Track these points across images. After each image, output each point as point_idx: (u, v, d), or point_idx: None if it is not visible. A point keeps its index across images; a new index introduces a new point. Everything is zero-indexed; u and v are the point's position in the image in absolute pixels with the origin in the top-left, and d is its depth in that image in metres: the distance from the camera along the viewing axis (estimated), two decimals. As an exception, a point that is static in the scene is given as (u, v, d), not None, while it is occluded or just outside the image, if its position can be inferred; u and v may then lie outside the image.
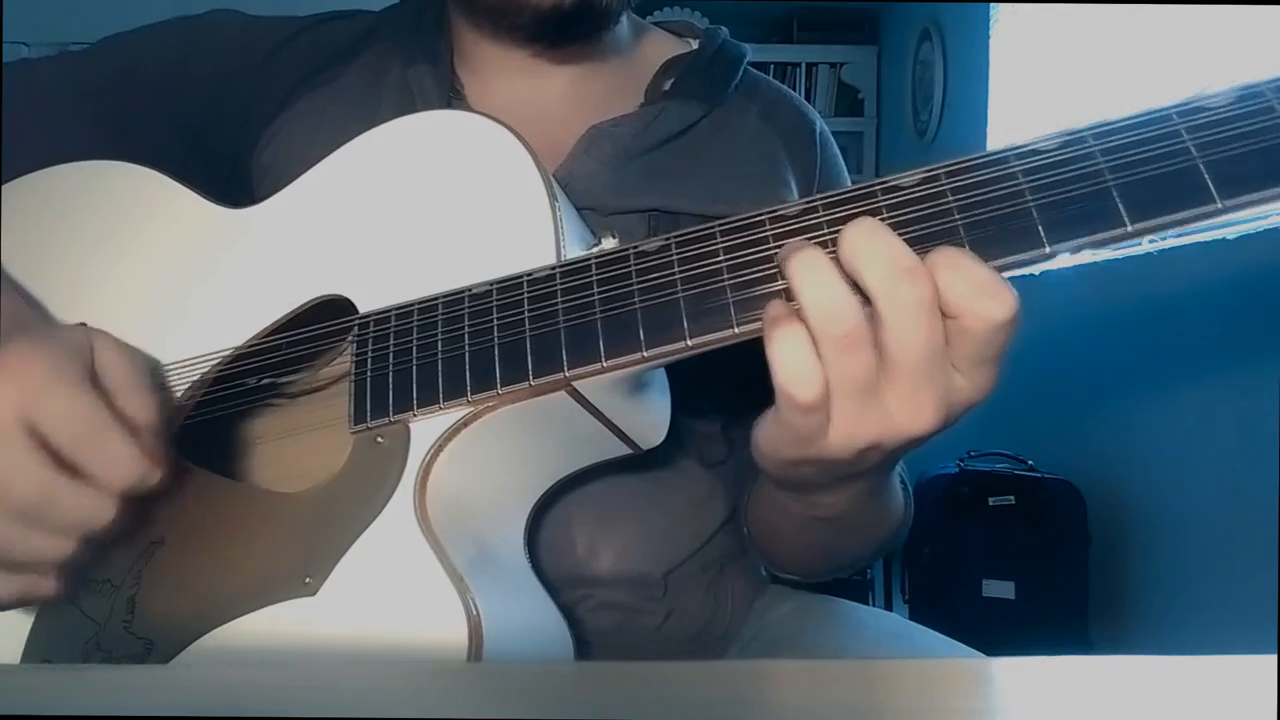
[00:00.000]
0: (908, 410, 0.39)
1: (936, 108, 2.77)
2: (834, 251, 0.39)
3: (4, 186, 0.58)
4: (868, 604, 1.97)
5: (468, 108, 0.64)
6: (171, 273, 0.56)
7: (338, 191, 0.54)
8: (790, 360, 0.38)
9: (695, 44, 0.71)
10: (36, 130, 0.62)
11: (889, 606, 2.16)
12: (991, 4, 2.40)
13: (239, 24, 0.69)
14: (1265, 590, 1.20)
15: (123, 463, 0.43)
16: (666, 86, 0.66)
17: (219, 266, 0.55)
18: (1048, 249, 0.39)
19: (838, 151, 0.72)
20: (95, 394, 0.43)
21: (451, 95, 0.64)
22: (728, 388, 0.67)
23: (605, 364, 0.44)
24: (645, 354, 0.43)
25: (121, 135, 0.63)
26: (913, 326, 0.37)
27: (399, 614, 0.43)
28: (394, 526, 0.45)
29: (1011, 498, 1.81)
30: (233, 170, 0.66)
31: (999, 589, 1.81)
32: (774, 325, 0.38)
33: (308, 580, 0.45)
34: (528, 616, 0.50)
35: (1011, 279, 0.41)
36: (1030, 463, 1.90)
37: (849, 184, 0.70)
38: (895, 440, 0.40)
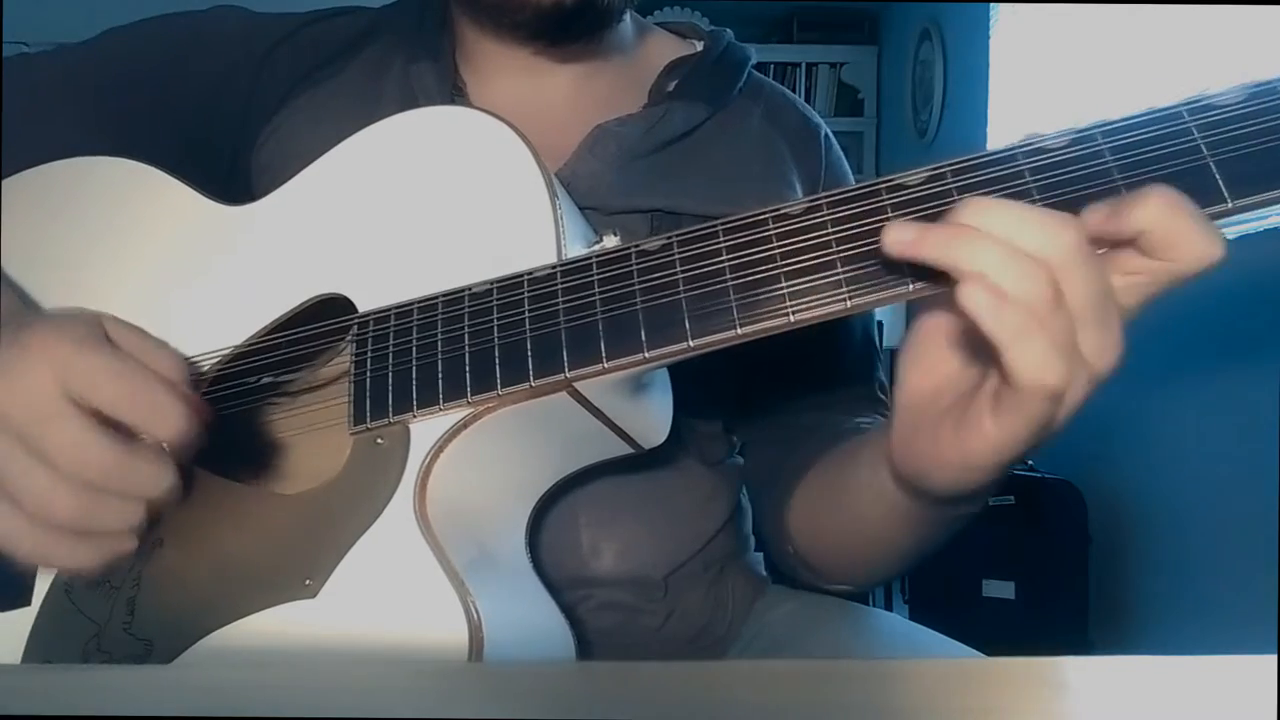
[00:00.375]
0: (1100, 352, 0.37)
1: (936, 108, 2.77)
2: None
3: (2, 182, 0.58)
4: (868, 604, 1.97)
5: (469, 105, 0.64)
6: (169, 270, 0.56)
7: (337, 188, 0.54)
8: (1032, 351, 0.36)
9: (699, 46, 0.71)
10: (34, 125, 0.62)
11: (889, 606, 2.16)
12: (991, 4, 2.40)
13: (239, 20, 0.69)
14: (1265, 590, 1.20)
15: (172, 415, 0.43)
16: (670, 88, 0.66)
17: (217, 264, 0.55)
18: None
19: (843, 155, 0.72)
20: (126, 355, 0.43)
21: (453, 92, 0.64)
22: (730, 386, 0.67)
23: (606, 365, 0.43)
24: (647, 354, 0.43)
25: (119, 131, 0.63)
26: (1088, 272, 0.36)
27: (399, 616, 0.43)
28: (394, 528, 0.45)
29: (1011, 498, 1.81)
30: (232, 167, 0.65)
31: (999, 589, 1.81)
32: (995, 317, 0.36)
33: (308, 582, 0.44)
34: (529, 617, 0.50)
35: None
36: (1030, 463, 1.89)
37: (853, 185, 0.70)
38: (1093, 387, 0.38)
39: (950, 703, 0.30)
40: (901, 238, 0.37)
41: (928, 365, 0.43)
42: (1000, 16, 2.41)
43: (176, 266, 0.56)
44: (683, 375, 0.53)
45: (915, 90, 2.95)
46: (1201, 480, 1.61)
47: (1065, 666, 0.32)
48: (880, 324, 0.88)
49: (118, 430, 0.42)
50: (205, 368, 0.53)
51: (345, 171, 0.54)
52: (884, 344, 0.69)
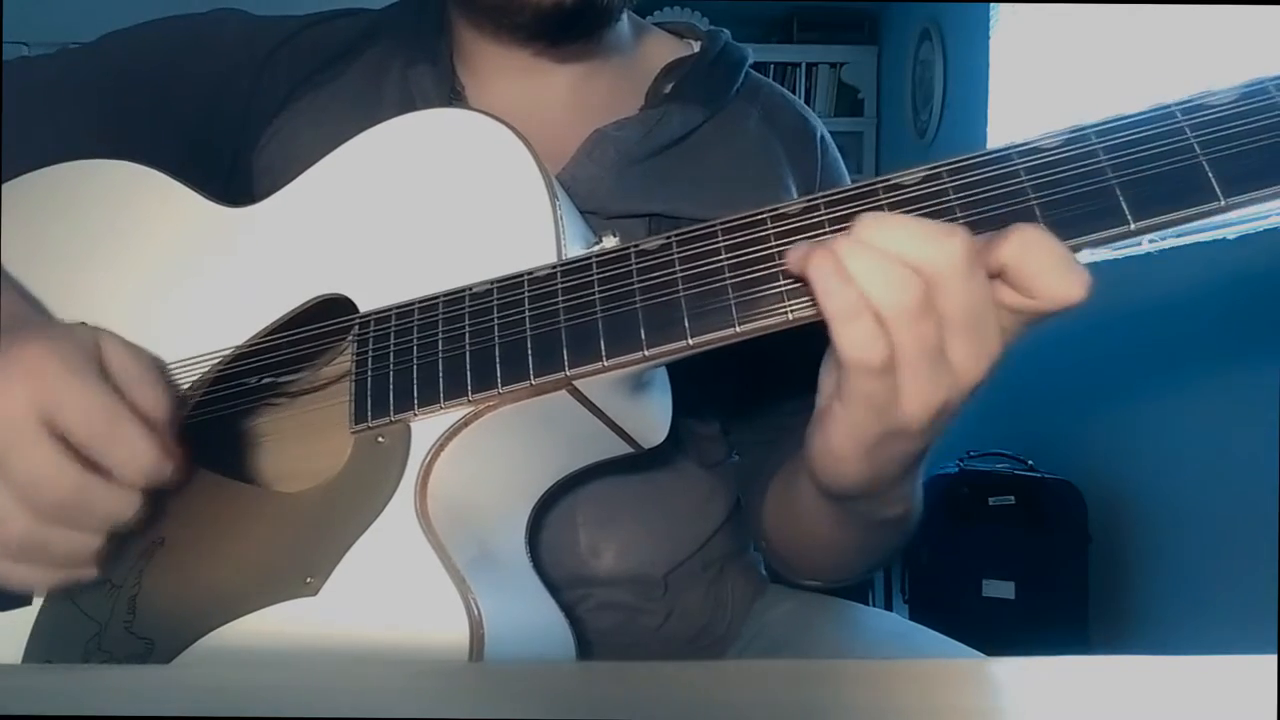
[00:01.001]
0: (968, 362, 0.39)
1: (936, 108, 2.77)
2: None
3: (3, 185, 0.58)
4: (868, 604, 1.97)
5: (468, 108, 0.64)
6: (171, 271, 0.56)
7: (338, 190, 0.54)
8: (855, 330, 0.38)
9: (697, 46, 0.71)
10: (35, 128, 0.62)
11: (889, 606, 2.16)
12: (991, 4, 2.40)
13: (239, 23, 0.69)
14: (1265, 590, 1.20)
15: (141, 456, 0.43)
16: (668, 90, 0.66)
17: (219, 265, 0.55)
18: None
19: (839, 156, 0.72)
20: (109, 388, 0.43)
21: (452, 95, 0.64)
22: (727, 388, 0.67)
23: (606, 363, 0.44)
24: (646, 353, 0.43)
25: (120, 134, 0.63)
26: (966, 284, 0.37)
27: (400, 614, 0.43)
28: (395, 526, 0.45)
29: (1011, 498, 1.81)
30: (232, 169, 0.65)
31: (999, 589, 1.81)
32: (827, 299, 0.38)
33: (309, 580, 0.45)
34: (529, 616, 0.50)
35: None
36: (1030, 463, 1.90)
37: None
38: (962, 395, 0.40)
39: (950, 703, 0.30)
40: (791, 256, 0.40)
41: (824, 373, 0.44)
42: (1000, 16, 2.41)
43: (178, 268, 0.56)
44: (680, 376, 0.53)
45: (915, 90, 2.95)
46: (1201, 480, 1.61)
47: (1065, 666, 0.32)
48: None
49: (88, 460, 0.43)
50: (205, 369, 0.53)
51: (347, 173, 0.54)
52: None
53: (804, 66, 3.20)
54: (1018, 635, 1.73)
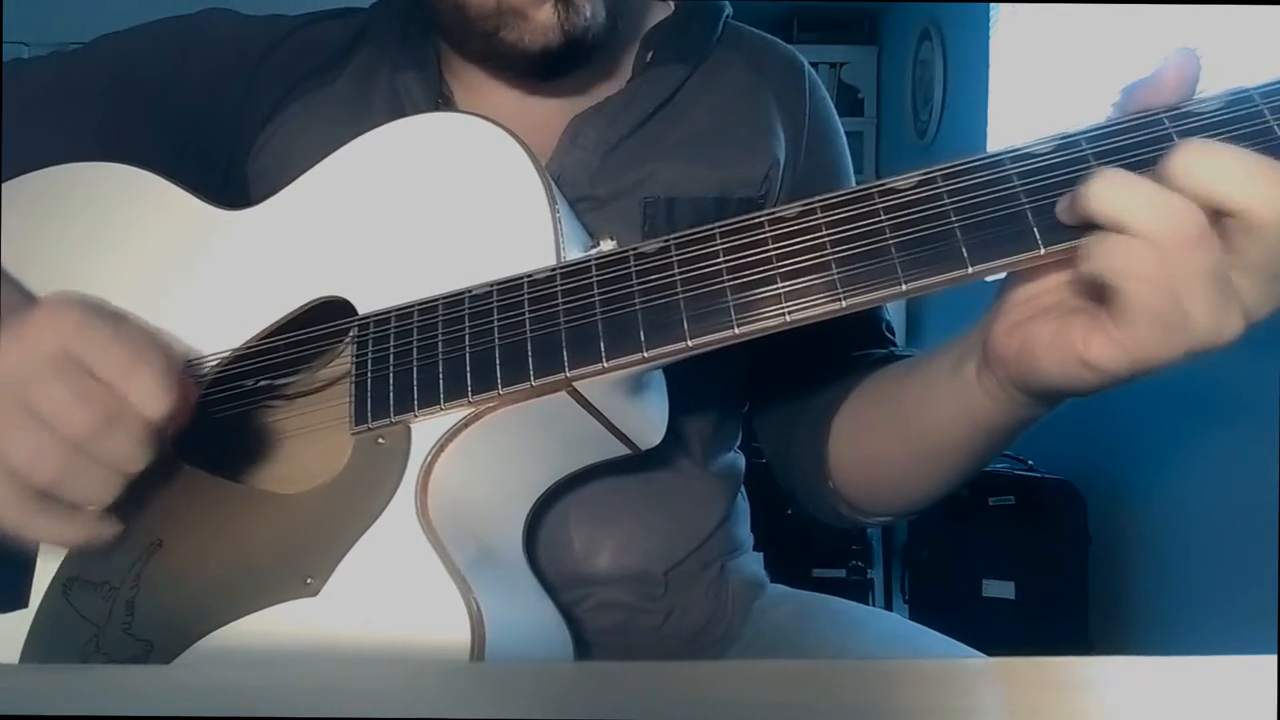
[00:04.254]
0: (1257, 300, 0.39)
1: (936, 108, 2.76)
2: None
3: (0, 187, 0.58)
4: (868, 604, 1.97)
5: (464, 111, 0.64)
6: (167, 274, 0.56)
7: (337, 193, 0.54)
8: (1122, 254, 0.37)
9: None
10: (29, 131, 0.61)
11: (889, 606, 2.16)
12: (991, 4, 2.40)
13: (231, 24, 0.69)
14: (1265, 591, 1.20)
15: (160, 390, 0.44)
16: (649, 58, 0.66)
17: (215, 268, 0.55)
18: (1043, 251, 0.40)
19: (826, 95, 0.71)
20: (126, 331, 0.45)
21: (440, 101, 0.64)
22: (725, 388, 0.67)
23: (606, 364, 0.44)
24: (646, 354, 0.43)
25: (114, 136, 0.63)
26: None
27: (401, 613, 0.43)
28: (396, 526, 0.45)
29: (1011, 498, 1.81)
30: (228, 172, 0.65)
31: (999, 589, 1.81)
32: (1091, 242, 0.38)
33: (309, 581, 0.45)
34: (528, 616, 0.50)
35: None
36: (1030, 463, 1.90)
37: (839, 128, 0.70)
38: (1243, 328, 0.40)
39: (950, 703, 0.30)
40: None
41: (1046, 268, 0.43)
42: (1000, 16, 2.41)
43: (174, 271, 0.56)
44: (678, 376, 0.53)
45: (915, 90, 2.94)
46: (1201, 480, 1.61)
47: (1065, 666, 0.32)
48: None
49: (112, 396, 0.44)
50: (204, 370, 0.53)
51: (345, 176, 0.54)
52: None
53: (804, 66, 3.19)
54: (1018, 635, 1.73)
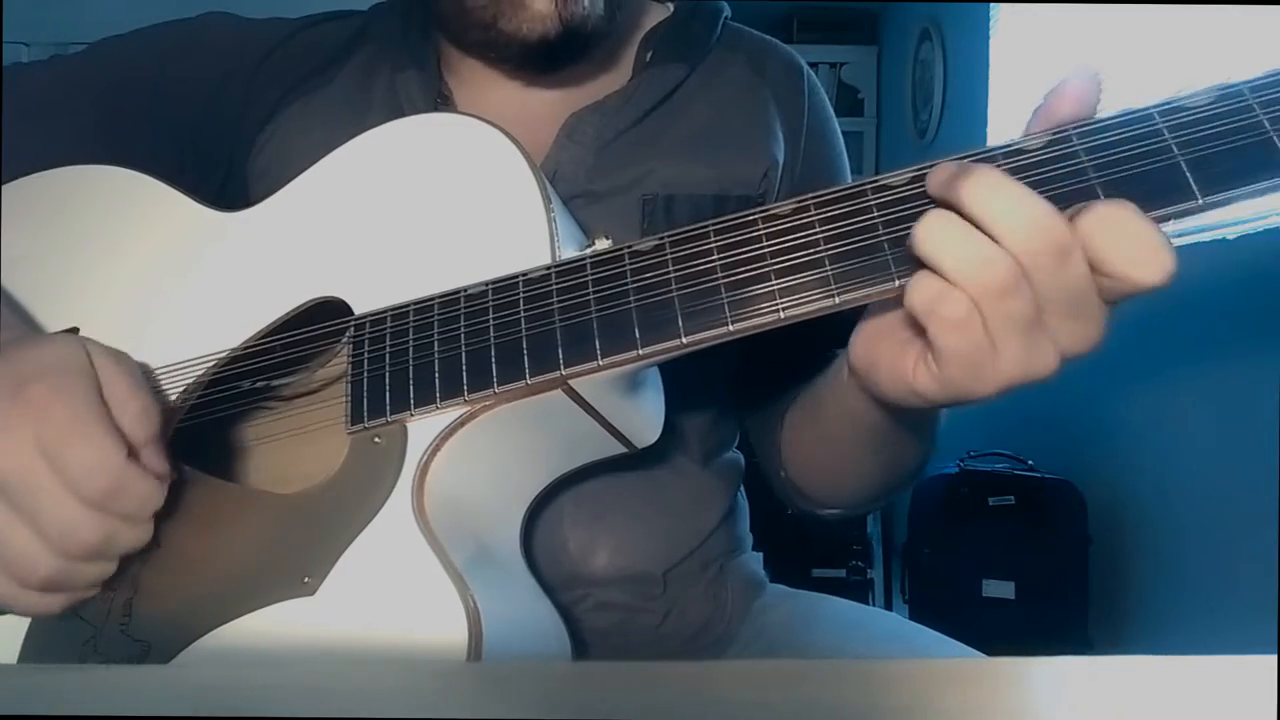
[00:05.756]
0: (1068, 338, 0.39)
1: (936, 108, 2.76)
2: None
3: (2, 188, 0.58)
4: (868, 604, 1.97)
5: (460, 111, 0.64)
6: (164, 276, 0.56)
7: (332, 194, 0.54)
8: (929, 292, 0.39)
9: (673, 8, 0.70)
10: (29, 135, 0.62)
11: (889, 606, 2.16)
12: (991, 4, 2.40)
13: (232, 27, 0.69)
14: (1265, 590, 1.20)
15: (152, 497, 0.45)
16: (648, 57, 0.66)
17: (212, 269, 0.55)
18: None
19: (825, 97, 0.72)
20: (114, 436, 0.44)
21: (439, 100, 0.64)
22: (721, 386, 0.67)
23: (601, 362, 0.44)
24: (641, 352, 0.44)
25: (115, 139, 0.63)
26: (1061, 268, 0.37)
27: (398, 612, 0.43)
28: (392, 525, 0.45)
29: (1011, 498, 1.81)
30: (228, 174, 0.66)
31: (999, 589, 1.81)
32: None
33: (306, 580, 0.45)
34: (526, 615, 0.50)
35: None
36: (1030, 463, 1.90)
37: (837, 130, 0.71)
38: (1060, 363, 0.40)
39: (950, 703, 0.30)
40: (933, 181, 0.40)
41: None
42: (1000, 16, 2.41)
43: (171, 272, 0.56)
44: (675, 374, 0.53)
45: (915, 90, 2.94)
46: (1202, 480, 1.61)
47: (1065, 666, 0.32)
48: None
49: (111, 513, 0.44)
50: (200, 372, 0.53)
51: (341, 177, 0.54)
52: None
53: (804, 66, 3.20)
54: (1018, 635, 1.73)
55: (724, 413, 0.68)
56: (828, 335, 0.65)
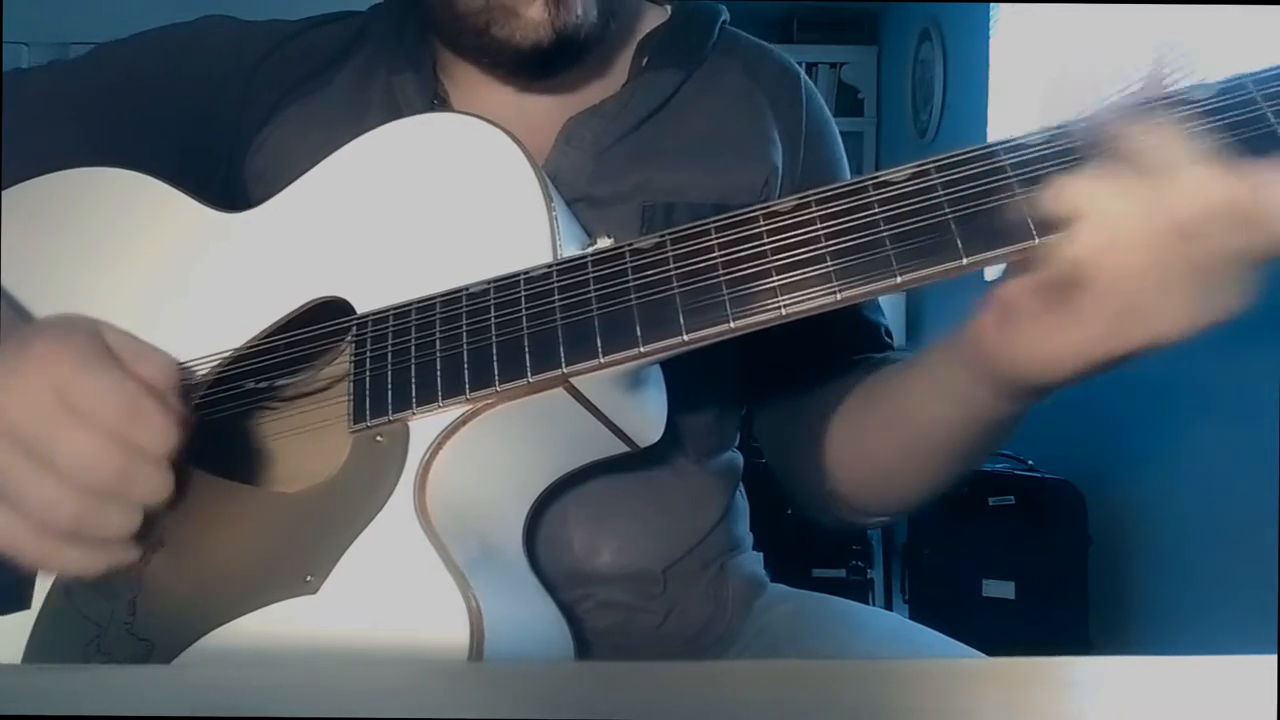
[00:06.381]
0: (1221, 299, 0.41)
1: (936, 108, 2.76)
2: None
3: (2, 193, 0.58)
4: (868, 604, 1.97)
5: (461, 111, 0.64)
6: (167, 276, 0.56)
7: (335, 194, 0.54)
8: (1096, 239, 0.39)
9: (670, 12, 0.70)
10: (31, 139, 0.62)
11: (889, 606, 2.16)
12: (991, 4, 2.40)
13: (231, 30, 0.70)
14: (1265, 590, 1.20)
15: (164, 429, 0.44)
16: (645, 62, 0.66)
17: (215, 270, 0.55)
18: (1037, 240, 0.40)
19: (823, 103, 0.71)
20: (121, 370, 0.44)
21: (436, 102, 0.64)
22: (722, 386, 0.67)
23: (603, 360, 0.44)
24: (642, 349, 0.44)
25: (116, 142, 0.64)
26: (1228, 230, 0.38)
27: (400, 610, 0.43)
28: (395, 523, 0.45)
29: (1011, 498, 1.81)
30: (226, 175, 0.66)
31: (999, 589, 1.81)
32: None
33: (309, 578, 0.45)
34: (528, 614, 0.50)
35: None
36: (1030, 463, 1.89)
37: (835, 133, 0.71)
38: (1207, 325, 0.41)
39: (950, 703, 0.31)
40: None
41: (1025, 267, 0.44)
42: (1000, 16, 2.41)
43: (175, 273, 0.56)
44: (676, 373, 0.53)
45: (915, 90, 2.94)
46: (1201, 480, 1.61)
47: (1065, 666, 0.32)
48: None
49: (124, 442, 0.44)
50: (204, 371, 0.53)
51: (343, 177, 0.55)
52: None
53: (804, 67, 3.19)
54: (1018, 635, 1.73)
55: (722, 413, 0.68)
56: (852, 342, 0.66)
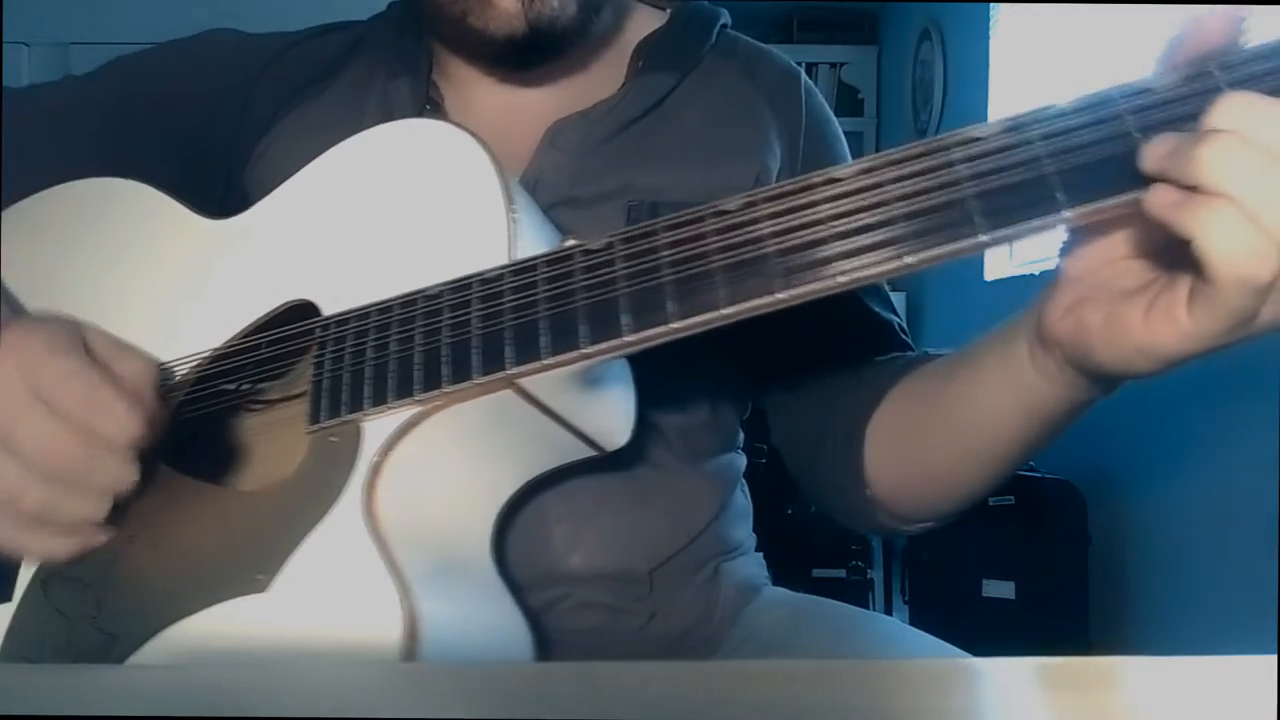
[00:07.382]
0: None
1: (936, 108, 2.77)
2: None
3: (10, 209, 0.60)
4: (868, 605, 1.97)
5: (444, 118, 0.64)
6: (159, 283, 0.57)
7: (309, 200, 0.56)
8: (1236, 240, 0.34)
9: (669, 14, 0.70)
10: (40, 151, 0.64)
11: (889, 607, 2.16)
12: (991, 4, 2.40)
13: (233, 41, 0.71)
14: (1265, 590, 1.20)
15: (128, 419, 0.45)
16: (641, 66, 0.66)
17: (202, 275, 0.57)
18: (985, 237, 0.38)
19: (824, 102, 0.71)
20: (89, 362, 0.46)
21: (429, 105, 0.65)
22: (712, 385, 0.66)
23: (546, 360, 0.44)
24: (587, 350, 0.43)
25: (121, 156, 0.65)
26: None
27: (340, 610, 0.44)
28: (342, 524, 0.45)
29: (1011, 498, 1.81)
30: (228, 185, 0.67)
31: (999, 589, 1.81)
32: (1191, 208, 0.35)
33: (259, 577, 0.45)
34: (483, 617, 0.50)
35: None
36: (1030, 463, 1.90)
37: (838, 133, 0.70)
38: None
39: (948, 703, 0.30)
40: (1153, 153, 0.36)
41: (1103, 243, 0.42)
42: (1000, 16, 2.41)
43: (165, 279, 0.58)
44: (661, 370, 0.53)
45: (915, 90, 2.95)
46: (1201, 480, 1.61)
47: (1065, 666, 0.32)
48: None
49: (86, 429, 0.45)
50: (183, 372, 0.54)
51: (318, 183, 0.56)
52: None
53: (804, 67, 3.19)
54: (1018, 635, 1.73)
55: (718, 414, 0.67)
56: (873, 341, 0.65)
